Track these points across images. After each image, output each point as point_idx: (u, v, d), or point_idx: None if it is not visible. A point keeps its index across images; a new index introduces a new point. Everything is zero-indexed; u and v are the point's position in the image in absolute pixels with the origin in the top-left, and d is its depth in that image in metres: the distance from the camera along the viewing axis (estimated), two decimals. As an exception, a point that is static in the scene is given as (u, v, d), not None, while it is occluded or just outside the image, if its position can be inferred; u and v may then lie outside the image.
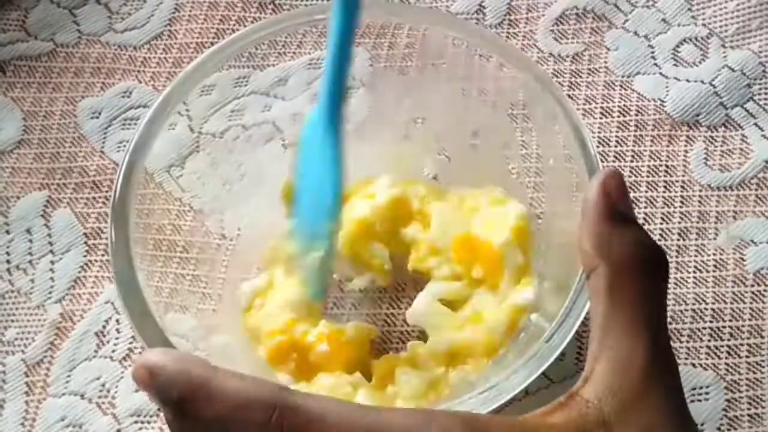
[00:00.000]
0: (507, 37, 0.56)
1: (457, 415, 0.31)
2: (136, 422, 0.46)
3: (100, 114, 0.54)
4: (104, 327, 0.48)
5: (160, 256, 0.44)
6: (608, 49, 0.55)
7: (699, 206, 0.51)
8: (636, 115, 0.53)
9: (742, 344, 0.47)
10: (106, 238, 0.50)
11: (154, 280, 0.45)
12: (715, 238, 0.50)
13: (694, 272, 0.49)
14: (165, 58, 0.55)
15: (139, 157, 0.42)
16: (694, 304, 0.48)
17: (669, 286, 0.39)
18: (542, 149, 0.46)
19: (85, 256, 0.50)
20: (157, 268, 0.47)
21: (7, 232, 0.50)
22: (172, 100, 0.44)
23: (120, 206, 0.41)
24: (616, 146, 0.52)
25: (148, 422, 0.46)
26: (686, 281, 0.49)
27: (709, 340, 0.47)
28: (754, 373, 0.47)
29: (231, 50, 0.46)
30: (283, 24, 0.46)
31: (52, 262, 0.50)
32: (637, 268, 0.33)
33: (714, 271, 0.49)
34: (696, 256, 0.49)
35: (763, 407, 0.46)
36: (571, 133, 0.42)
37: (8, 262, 0.50)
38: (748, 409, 0.46)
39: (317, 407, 0.30)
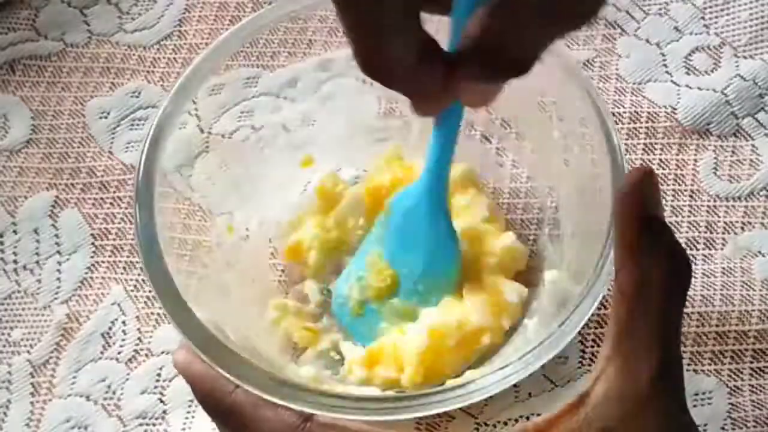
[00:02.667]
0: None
1: None
2: (141, 424, 0.46)
3: (108, 114, 0.54)
4: (110, 328, 0.48)
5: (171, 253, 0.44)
6: (620, 56, 0.55)
7: (707, 216, 0.51)
8: (646, 122, 0.53)
9: (746, 349, 0.47)
10: (114, 239, 0.50)
11: (145, 290, 0.46)
12: (722, 249, 0.50)
13: (702, 278, 0.49)
14: (174, 58, 0.55)
15: (162, 135, 0.42)
16: (700, 306, 0.48)
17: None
18: (568, 139, 0.46)
19: (92, 257, 0.50)
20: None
21: (15, 231, 0.50)
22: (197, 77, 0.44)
23: (145, 185, 0.41)
24: (625, 153, 0.52)
25: (154, 424, 0.46)
26: (693, 287, 0.49)
27: (713, 345, 0.47)
28: (757, 379, 0.46)
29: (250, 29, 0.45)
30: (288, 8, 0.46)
31: (59, 263, 0.50)
32: (663, 277, 0.33)
33: (721, 281, 0.49)
34: (703, 265, 0.49)
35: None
36: (598, 128, 0.41)
37: (15, 262, 0.50)
38: (753, 410, 0.46)
39: None
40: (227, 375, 0.35)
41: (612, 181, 0.39)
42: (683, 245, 0.49)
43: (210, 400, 0.35)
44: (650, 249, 0.33)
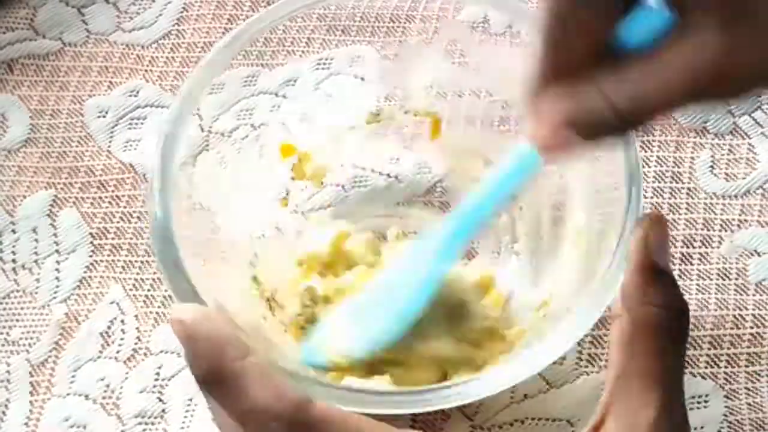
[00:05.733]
0: (510, 45, 0.55)
1: None
2: (140, 423, 0.46)
3: (107, 113, 0.54)
4: (109, 327, 0.48)
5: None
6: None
7: (704, 214, 0.51)
8: (643, 120, 0.53)
9: (741, 353, 0.47)
10: (112, 238, 0.50)
11: (144, 289, 0.46)
12: (719, 247, 0.50)
13: (697, 280, 0.49)
14: (173, 57, 0.55)
15: (177, 130, 0.42)
16: (696, 311, 0.48)
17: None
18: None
19: (90, 256, 0.50)
20: (148, 275, 0.48)
21: (13, 231, 0.50)
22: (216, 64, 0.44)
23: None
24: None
25: (153, 423, 0.46)
26: (689, 292, 0.49)
27: (709, 349, 0.47)
28: (753, 383, 0.47)
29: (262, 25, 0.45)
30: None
31: (58, 262, 0.50)
32: (655, 327, 0.34)
33: (716, 284, 0.49)
34: (699, 264, 0.49)
35: (764, 412, 0.46)
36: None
37: (14, 261, 0.50)
38: (749, 413, 0.46)
39: (335, 425, 0.31)
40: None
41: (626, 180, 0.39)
42: (680, 243, 0.50)
43: (214, 362, 0.33)
44: (650, 298, 0.34)
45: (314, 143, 0.50)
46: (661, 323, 0.34)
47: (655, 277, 0.35)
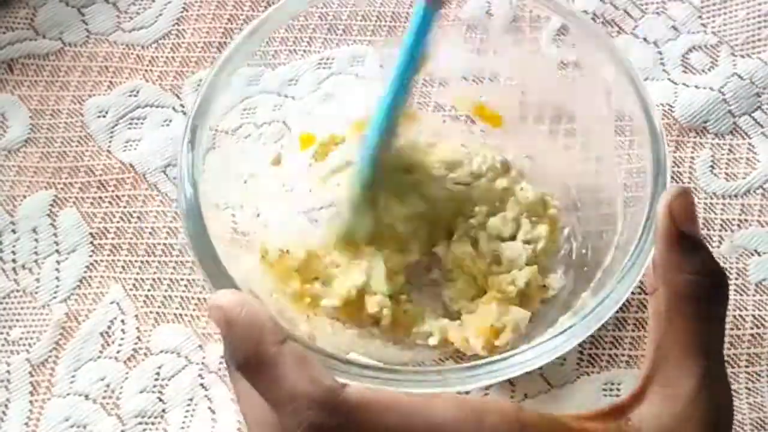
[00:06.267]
0: (513, 42, 0.55)
1: (507, 413, 0.32)
2: (140, 423, 0.46)
3: (107, 113, 0.54)
4: (109, 327, 0.48)
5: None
6: (617, 55, 0.55)
7: (704, 213, 0.51)
8: (643, 120, 0.53)
9: (741, 354, 0.47)
10: (112, 238, 0.50)
11: (144, 289, 0.45)
12: (719, 247, 0.50)
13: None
14: (172, 57, 0.55)
15: (201, 122, 0.42)
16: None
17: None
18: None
19: (90, 255, 0.50)
20: (148, 275, 0.48)
21: (13, 231, 0.50)
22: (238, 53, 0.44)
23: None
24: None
25: (153, 423, 0.46)
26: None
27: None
28: (753, 383, 0.47)
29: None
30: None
31: (58, 262, 0.50)
32: (694, 296, 0.34)
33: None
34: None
35: (764, 412, 0.46)
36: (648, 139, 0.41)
37: (14, 261, 0.50)
38: (750, 413, 0.46)
39: (370, 409, 0.31)
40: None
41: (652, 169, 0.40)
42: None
43: (252, 347, 0.33)
44: (683, 267, 0.34)
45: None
46: (699, 290, 0.34)
47: (686, 245, 0.34)
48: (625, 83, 0.42)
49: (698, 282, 0.34)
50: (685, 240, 0.34)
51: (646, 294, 0.37)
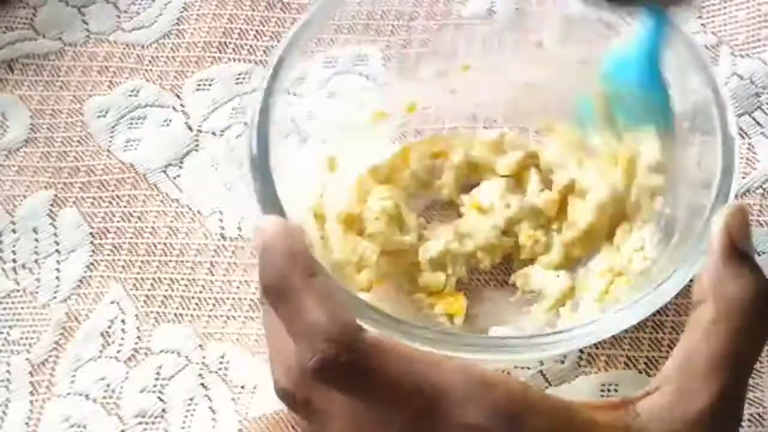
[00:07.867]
0: (515, 41, 0.55)
1: (514, 390, 0.32)
2: (140, 423, 0.46)
3: (107, 113, 0.54)
4: (109, 327, 0.48)
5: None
6: (617, 55, 0.55)
7: (704, 214, 0.51)
8: (643, 120, 0.53)
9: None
10: (112, 238, 0.50)
11: (144, 289, 0.46)
12: (719, 247, 0.50)
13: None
14: (173, 57, 0.55)
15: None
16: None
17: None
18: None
19: (91, 255, 0.50)
20: (148, 275, 0.48)
21: (14, 231, 0.51)
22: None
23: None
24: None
25: (153, 423, 0.46)
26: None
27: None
28: (753, 378, 0.47)
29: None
30: None
31: (58, 262, 0.50)
32: (742, 314, 0.34)
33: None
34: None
35: (764, 407, 0.46)
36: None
37: (14, 261, 0.50)
38: (748, 408, 0.46)
39: (380, 356, 0.32)
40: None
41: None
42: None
43: (282, 274, 0.34)
44: (736, 283, 0.34)
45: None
46: (748, 308, 0.34)
47: (740, 263, 0.35)
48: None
49: (749, 301, 0.34)
50: (739, 257, 0.35)
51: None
